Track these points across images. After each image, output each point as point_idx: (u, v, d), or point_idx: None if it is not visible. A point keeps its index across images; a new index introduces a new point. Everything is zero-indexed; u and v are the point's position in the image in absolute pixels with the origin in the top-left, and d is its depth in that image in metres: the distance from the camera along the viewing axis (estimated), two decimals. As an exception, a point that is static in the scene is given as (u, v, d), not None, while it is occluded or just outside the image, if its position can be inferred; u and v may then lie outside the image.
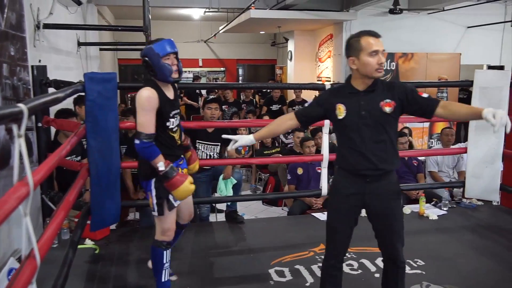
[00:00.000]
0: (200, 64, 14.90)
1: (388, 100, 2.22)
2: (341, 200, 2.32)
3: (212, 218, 4.76)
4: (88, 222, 3.37)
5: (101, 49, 8.55)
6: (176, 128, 2.68)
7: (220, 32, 11.88)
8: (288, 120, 2.48)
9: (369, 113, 2.22)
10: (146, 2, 4.98)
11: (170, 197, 2.58)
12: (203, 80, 14.47)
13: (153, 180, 2.58)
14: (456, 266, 3.18)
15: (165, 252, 2.65)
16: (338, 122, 2.30)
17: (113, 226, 3.94)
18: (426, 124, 8.85)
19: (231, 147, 2.53)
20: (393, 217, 2.31)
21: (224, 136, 2.74)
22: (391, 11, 7.79)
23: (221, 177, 4.14)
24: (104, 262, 3.26)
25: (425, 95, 2.27)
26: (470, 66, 8.11)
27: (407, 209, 4.32)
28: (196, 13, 11.83)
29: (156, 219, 2.66)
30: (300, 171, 4.71)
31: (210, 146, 4.26)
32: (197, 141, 4.22)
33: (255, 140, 2.51)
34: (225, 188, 4.13)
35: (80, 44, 6.13)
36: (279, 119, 2.55)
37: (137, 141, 2.42)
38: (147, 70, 2.54)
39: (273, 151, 6.62)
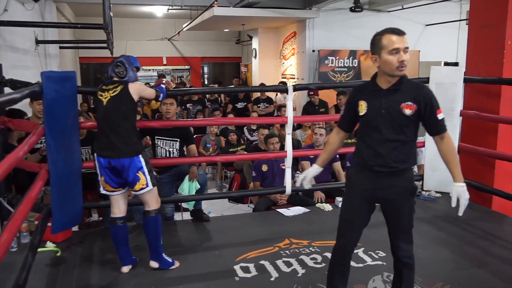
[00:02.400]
0: (165, 62, 14.73)
1: (409, 103, 2.21)
2: (355, 193, 2.36)
3: (178, 217, 4.74)
4: (49, 224, 3.30)
5: (61, 47, 8.34)
6: None
7: (184, 29, 11.80)
8: (337, 135, 2.51)
9: (389, 112, 2.23)
10: (106, -1, 4.89)
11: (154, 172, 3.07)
12: (167, 79, 14.32)
13: (141, 156, 2.97)
14: (414, 256, 3.28)
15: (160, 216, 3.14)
16: (360, 118, 2.34)
17: (75, 228, 3.87)
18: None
19: (300, 183, 2.56)
20: (401, 214, 2.32)
21: (296, 180, 2.71)
22: (352, 9, 7.94)
23: (186, 177, 4.13)
24: (66, 265, 3.20)
25: (440, 116, 2.27)
26: (428, 63, 8.35)
27: (369, 202, 4.43)
28: (159, 10, 11.69)
29: (149, 194, 3.04)
30: (264, 168, 4.75)
31: (170, 142, 4.24)
32: (156, 137, 4.20)
33: (321, 168, 2.55)
34: (188, 190, 4.11)
35: (38, 42, 5.97)
36: (330, 139, 2.55)
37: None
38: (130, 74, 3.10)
39: (238, 148, 6.64)
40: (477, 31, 4.40)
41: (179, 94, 4.85)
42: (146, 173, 2.98)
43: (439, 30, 9.80)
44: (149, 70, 14.48)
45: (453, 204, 2.25)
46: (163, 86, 3.43)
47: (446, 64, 9.51)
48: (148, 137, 4.45)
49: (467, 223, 3.92)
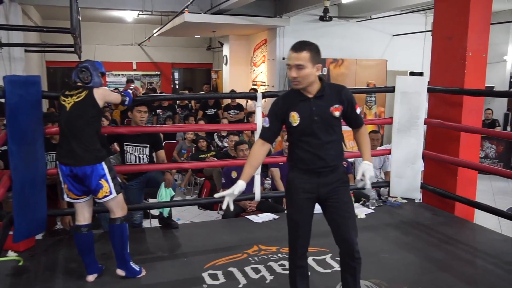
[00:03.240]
0: (134, 67, 14.58)
1: (337, 105, 2.41)
2: (298, 194, 2.47)
3: (146, 224, 4.68)
4: (11, 232, 3.20)
5: (26, 51, 8.13)
6: None
7: (154, 35, 11.71)
8: (261, 147, 2.51)
9: (321, 117, 2.39)
10: (73, 2, 4.80)
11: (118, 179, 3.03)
12: (137, 84, 14.17)
13: (103, 163, 2.92)
14: (380, 261, 3.36)
15: (126, 224, 3.07)
16: (293, 128, 2.44)
17: (39, 236, 3.77)
18: (356, 127, 9.21)
19: (225, 205, 2.35)
20: (343, 202, 2.46)
21: (216, 195, 2.55)
22: (321, 19, 8.07)
23: (163, 184, 4.09)
24: (28, 275, 3.11)
25: (358, 110, 2.51)
26: (395, 72, 8.55)
27: (337, 209, 4.48)
28: (129, 15, 11.57)
29: (113, 202, 2.98)
30: (234, 174, 4.75)
31: (139, 148, 4.20)
32: (125, 143, 4.15)
33: (245, 183, 2.42)
34: (165, 196, 4.08)
35: (2, 45, 5.80)
36: (253, 151, 2.53)
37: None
38: (88, 79, 3.02)
39: (208, 155, 6.62)
40: (440, 43, 4.54)
41: (149, 100, 4.80)
42: (110, 180, 2.93)
43: (405, 40, 10.07)
44: (119, 75, 14.30)
45: (358, 177, 2.44)
46: (130, 91, 3.39)
47: (412, 73, 9.76)
48: (116, 143, 4.39)
49: (431, 228, 4.02)
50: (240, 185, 2.37)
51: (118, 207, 3.02)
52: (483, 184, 6.27)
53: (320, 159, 2.41)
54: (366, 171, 2.43)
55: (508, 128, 9.43)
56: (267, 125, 2.50)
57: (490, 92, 6.63)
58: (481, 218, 4.56)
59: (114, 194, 2.95)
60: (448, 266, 3.28)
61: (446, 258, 3.42)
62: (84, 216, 3.04)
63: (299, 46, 2.34)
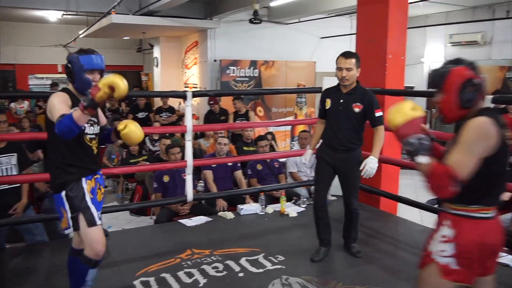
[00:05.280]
0: (59, 70, 13.89)
1: (358, 103, 3.27)
2: (322, 162, 3.40)
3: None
4: None
5: None
6: (94, 136, 2.57)
7: (81, 36, 11.25)
8: (320, 124, 3.52)
9: (345, 108, 3.28)
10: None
11: (93, 211, 2.46)
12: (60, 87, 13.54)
13: (63, 192, 2.44)
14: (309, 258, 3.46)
15: (90, 270, 2.50)
16: (326, 111, 3.40)
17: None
18: (288, 128, 9.45)
19: (304, 161, 3.65)
20: (351, 176, 3.38)
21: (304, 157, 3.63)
22: (251, 21, 8.17)
23: None
24: None
25: (378, 114, 3.30)
26: (323, 73, 8.84)
27: (270, 208, 4.57)
28: (52, 15, 11.00)
29: (81, 234, 2.48)
30: (166, 178, 4.68)
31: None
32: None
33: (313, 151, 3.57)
34: None
35: None
36: (317, 128, 3.55)
37: (56, 127, 2.24)
38: (67, 76, 2.48)
39: (140, 159, 6.48)
40: (363, 45, 4.77)
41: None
42: (68, 211, 2.46)
43: (333, 42, 10.42)
44: (42, 78, 13.58)
45: (361, 167, 3.26)
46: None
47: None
48: (40, 150, 4.19)
49: (359, 223, 4.20)
50: (309, 153, 3.55)
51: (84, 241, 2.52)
52: (406, 179, 6.63)
53: (337, 138, 3.30)
54: (367, 162, 3.23)
55: (427, 126, 10.05)
56: (320, 107, 3.50)
57: (410, 92, 7.04)
58: (404, 211, 4.84)
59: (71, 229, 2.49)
60: (373, 259, 3.45)
61: (371, 251, 3.60)
62: (74, 238, 2.68)
63: (346, 54, 3.29)
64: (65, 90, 2.50)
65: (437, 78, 1.92)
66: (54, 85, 11.22)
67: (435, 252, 1.89)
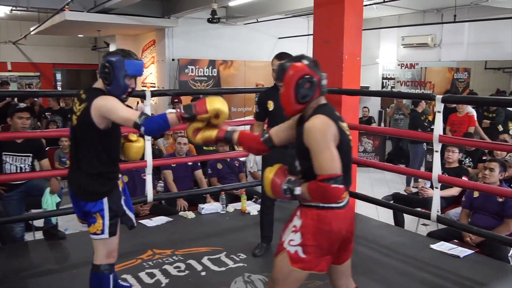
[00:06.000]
0: (9, 68, 13.34)
1: None
2: (270, 161, 2.77)
3: (30, 237, 4.36)
4: None
5: None
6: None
7: (32, 33, 10.85)
8: (257, 127, 3.46)
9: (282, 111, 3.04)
10: None
11: (130, 215, 2.51)
12: (13, 86, 13.01)
13: (105, 200, 2.36)
14: (271, 255, 3.50)
15: (111, 275, 2.46)
16: (268, 112, 3.33)
17: None
18: (248, 127, 9.48)
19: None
20: None
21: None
22: (210, 21, 8.17)
23: (47, 190, 3.85)
24: None
25: None
26: (282, 73, 8.96)
27: (231, 207, 4.60)
28: (0, 10, 10.56)
29: (98, 243, 2.42)
30: (125, 179, 4.60)
31: (20, 157, 3.91)
32: (4, 153, 3.83)
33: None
34: (51, 202, 3.84)
35: None
36: (256, 130, 3.42)
37: (140, 128, 2.16)
38: (103, 77, 2.30)
39: (97, 160, 6.32)
40: (320, 46, 4.87)
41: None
42: (107, 218, 2.40)
43: (290, 43, 10.54)
44: (-9, 76, 13.01)
45: None
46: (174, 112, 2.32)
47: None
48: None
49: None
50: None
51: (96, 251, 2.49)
52: (362, 176, 6.83)
53: None
54: None
55: (382, 124, 10.40)
56: (258, 110, 3.43)
57: (366, 92, 7.28)
58: (361, 207, 4.99)
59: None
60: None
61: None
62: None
63: (277, 55, 3.30)
64: (99, 90, 2.34)
65: (280, 72, 2.02)
66: (3, 83, 10.73)
67: (286, 241, 1.98)
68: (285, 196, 1.98)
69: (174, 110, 2.19)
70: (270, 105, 3.34)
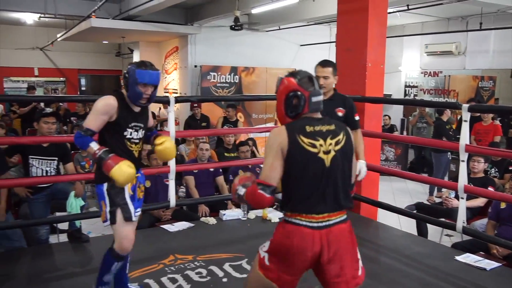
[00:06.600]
0: (36, 73, 13.67)
1: (341, 108, 3.45)
2: None
3: (54, 239, 4.43)
4: None
5: None
6: (137, 140, 2.70)
7: (59, 39, 11.10)
8: None
9: (328, 113, 3.03)
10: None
11: (130, 207, 2.60)
12: (40, 91, 13.31)
13: (105, 185, 2.58)
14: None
15: (115, 263, 2.63)
16: None
17: None
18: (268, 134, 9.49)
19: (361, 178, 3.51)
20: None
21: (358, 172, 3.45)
22: (232, 28, 8.23)
23: (72, 193, 3.92)
24: None
25: (356, 118, 3.53)
26: (303, 81, 8.93)
27: (252, 214, 4.59)
28: (29, 17, 10.82)
29: (112, 229, 2.62)
30: (148, 184, 4.65)
31: (46, 161, 3.98)
32: (30, 156, 3.92)
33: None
34: (75, 206, 3.91)
35: None
36: None
37: (76, 133, 2.51)
38: (124, 84, 2.62)
39: (120, 164, 6.39)
40: (343, 54, 4.86)
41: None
42: (108, 205, 2.59)
43: (312, 50, 10.55)
44: (18, 81, 13.33)
45: (356, 172, 3.24)
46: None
47: (319, 82, 10.25)
48: (17, 155, 4.14)
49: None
50: (362, 163, 3.50)
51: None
52: (384, 185, 6.76)
53: None
54: (362, 167, 3.41)
55: (405, 133, 10.28)
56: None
57: (389, 100, 7.22)
58: (384, 217, 4.93)
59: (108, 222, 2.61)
60: (355, 263, 3.50)
61: (353, 255, 3.64)
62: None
63: (323, 62, 3.40)
64: (119, 93, 2.63)
65: (276, 86, 2.13)
66: (30, 88, 11.00)
67: (261, 245, 2.09)
68: (239, 199, 2.14)
69: (96, 146, 2.48)
70: None
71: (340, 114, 3.44)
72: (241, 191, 2.10)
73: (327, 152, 1.99)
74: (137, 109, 2.67)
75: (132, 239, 2.65)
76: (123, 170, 2.43)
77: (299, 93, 2.01)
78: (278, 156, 1.95)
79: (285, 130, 1.99)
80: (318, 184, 1.99)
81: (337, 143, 2.03)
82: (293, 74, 2.08)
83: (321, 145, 1.99)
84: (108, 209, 2.58)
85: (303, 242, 1.94)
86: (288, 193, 2.02)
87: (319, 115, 2.10)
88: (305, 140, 1.97)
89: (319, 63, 3.42)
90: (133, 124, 2.65)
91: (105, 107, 2.54)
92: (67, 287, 3.08)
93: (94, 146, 2.48)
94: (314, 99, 2.04)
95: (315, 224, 1.96)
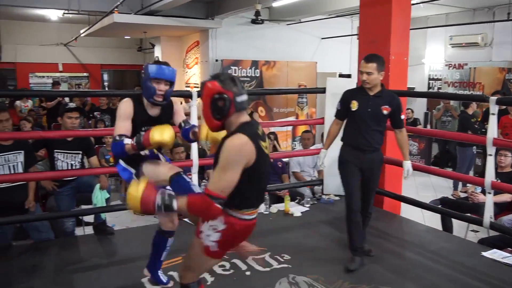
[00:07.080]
0: (60, 69, 13.90)
1: (387, 106, 3.30)
2: (349, 164, 3.35)
3: (80, 231, 4.52)
4: None
5: None
6: None
7: (82, 35, 11.25)
8: (336, 125, 3.53)
9: (374, 110, 3.28)
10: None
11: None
12: (64, 86, 13.55)
13: (121, 161, 2.67)
14: (316, 257, 3.49)
15: (169, 239, 2.89)
16: (351, 112, 3.35)
17: None
18: (290, 128, 9.47)
19: (321, 167, 3.77)
20: (376, 177, 3.48)
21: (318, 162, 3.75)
22: (253, 21, 8.20)
23: (97, 186, 4.00)
24: None
25: (402, 117, 3.44)
26: (324, 74, 8.87)
27: (274, 208, 4.59)
28: (53, 14, 11.00)
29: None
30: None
31: (71, 155, 4.06)
32: (55, 150, 3.99)
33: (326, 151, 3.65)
34: (101, 198, 3.98)
35: None
36: (332, 129, 3.55)
37: (111, 145, 2.56)
38: (140, 83, 2.66)
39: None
40: (365, 46, 4.79)
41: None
42: None
43: (333, 43, 10.45)
44: (43, 77, 13.58)
45: (405, 174, 3.48)
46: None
47: (341, 75, 10.17)
48: (44, 149, 4.23)
49: (362, 223, 4.23)
50: (324, 152, 3.64)
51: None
52: (407, 179, 6.66)
53: (365, 139, 3.29)
54: (408, 167, 3.47)
55: (428, 126, 10.11)
56: (339, 108, 3.47)
57: (412, 93, 7.09)
58: (407, 211, 4.87)
59: None
60: (379, 258, 3.48)
61: (377, 250, 3.61)
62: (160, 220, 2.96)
63: (367, 57, 3.27)
64: (136, 95, 2.71)
65: (200, 90, 2.15)
66: (55, 84, 11.20)
67: (204, 233, 2.12)
68: (158, 212, 2.01)
69: (129, 140, 2.49)
70: (354, 105, 3.33)
71: (385, 112, 3.30)
72: (174, 205, 1.97)
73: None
74: (153, 112, 2.67)
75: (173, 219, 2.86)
76: (159, 128, 2.43)
77: (224, 95, 2.00)
78: (240, 169, 1.96)
79: (249, 140, 1.97)
80: (266, 182, 2.22)
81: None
82: (214, 76, 2.08)
83: (266, 147, 2.10)
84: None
85: (249, 231, 2.19)
86: (242, 193, 2.04)
87: (247, 116, 2.11)
88: (263, 144, 2.07)
89: (364, 58, 3.29)
90: (145, 128, 2.62)
91: (125, 110, 2.59)
92: (92, 278, 3.14)
93: (128, 141, 2.49)
94: (239, 98, 2.04)
95: (254, 216, 2.17)
